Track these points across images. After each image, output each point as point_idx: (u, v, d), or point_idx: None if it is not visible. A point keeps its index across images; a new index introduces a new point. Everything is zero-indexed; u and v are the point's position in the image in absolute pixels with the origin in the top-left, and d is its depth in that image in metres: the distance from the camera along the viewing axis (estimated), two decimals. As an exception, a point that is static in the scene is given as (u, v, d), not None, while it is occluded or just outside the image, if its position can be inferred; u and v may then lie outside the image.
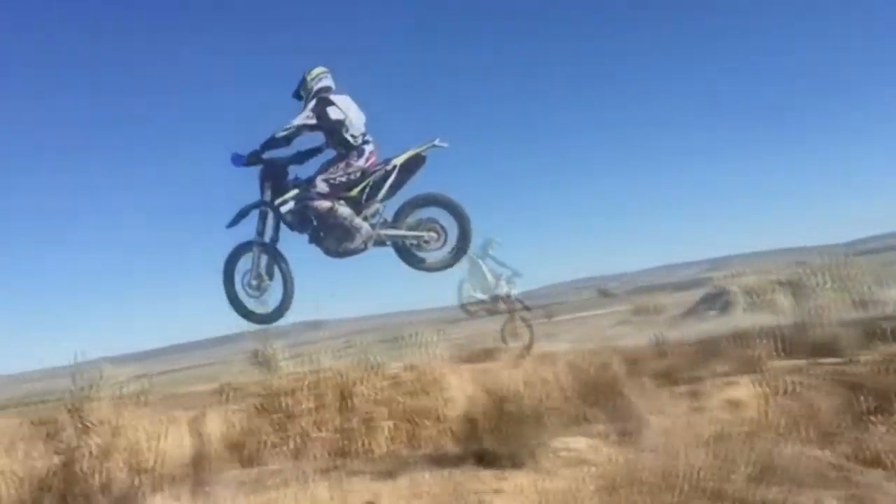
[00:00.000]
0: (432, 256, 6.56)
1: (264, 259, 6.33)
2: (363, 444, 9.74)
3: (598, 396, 11.22)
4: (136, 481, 9.63)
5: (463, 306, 13.13)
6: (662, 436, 7.13)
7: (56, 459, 10.09)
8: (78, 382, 9.89)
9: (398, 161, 6.38)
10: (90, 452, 9.79)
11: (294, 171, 6.40)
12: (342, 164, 6.32)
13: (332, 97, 6.37)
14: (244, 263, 6.28)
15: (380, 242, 6.50)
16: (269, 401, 9.97)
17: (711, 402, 12.09)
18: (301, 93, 6.42)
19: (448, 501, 6.61)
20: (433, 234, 6.49)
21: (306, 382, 9.91)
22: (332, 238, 6.38)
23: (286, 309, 6.28)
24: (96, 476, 9.79)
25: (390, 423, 10.10)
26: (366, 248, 6.50)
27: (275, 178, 6.38)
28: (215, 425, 10.84)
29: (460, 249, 6.45)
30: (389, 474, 8.04)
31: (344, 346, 10.72)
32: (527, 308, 14.25)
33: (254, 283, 6.26)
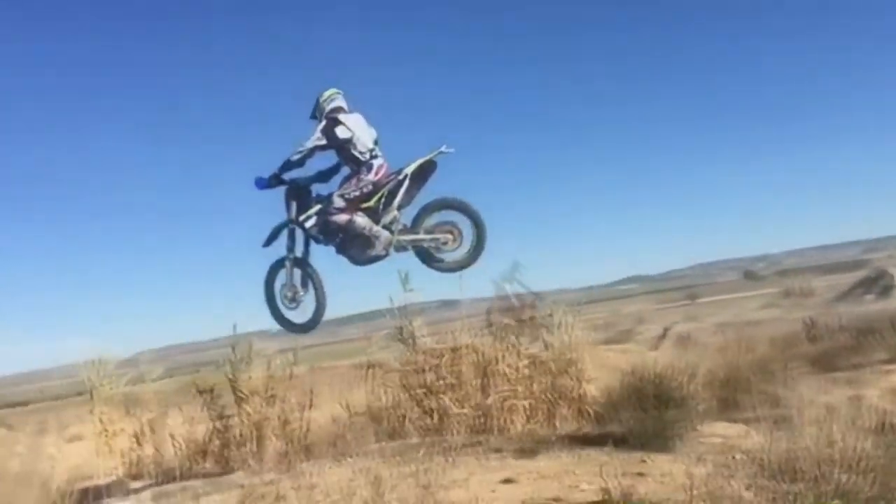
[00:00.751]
0: (450, 257, 6.93)
1: (297, 273, 6.79)
2: (501, 422, 9.77)
3: (747, 381, 10.76)
4: (286, 449, 10.11)
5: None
6: (818, 424, 6.69)
7: (214, 425, 10.76)
8: (235, 354, 10.43)
9: (409, 170, 6.76)
10: (244, 420, 10.36)
11: (316, 189, 6.83)
12: (354, 180, 6.74)
13: (341, 117, 6.75)
14: (281, 278, 6.77)
15: (400, 247, 6.89)
16: (409, 376, 10.17)
17: (871, 391, 11.32)
18: (316, 114, 6.78)
19: (590, 482, 6.49)
20: (449, 236, 6.86)
21: (446, 359, 10.03)
22: (355, 247, 6.83)
23: (320, 317, 6.75)
24: (248, 444, 10.36)
25: (528, 402, 10.07)
26: (387, 253, 6.91)
27: (299, 197, 6.84)
28: (358, 399, 11.19)
29: (476, 249, 6.75)
30: (528, 453, 8.01)
31: (483, 325, 10.76)
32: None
33: (289, 295, 6.74)
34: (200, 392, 10.80)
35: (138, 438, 11.28)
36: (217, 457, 10.57)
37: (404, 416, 9.98)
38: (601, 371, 11.53)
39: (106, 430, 11.17)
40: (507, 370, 10.07)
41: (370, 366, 10.67)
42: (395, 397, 10.28)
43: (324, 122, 6.75)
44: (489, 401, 9.88)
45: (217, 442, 10.63)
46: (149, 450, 11.27)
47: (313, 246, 6.82)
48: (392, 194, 6.80)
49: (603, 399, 10.42)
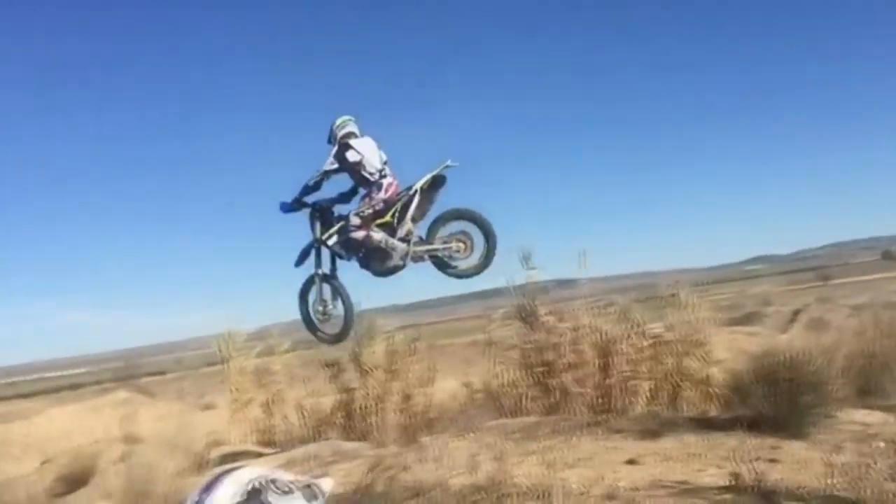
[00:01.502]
0: (463, 264, 7.32)
1: (326, 288, 7.25)
2: (623, 403, 9.59)
3: (887, 367, 10.12)
4: (407, 423, 10.33)
5: None
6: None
7: (338, 398, 11.11)
8: (357, 331, 10.68)
9: (418, 186, 7.17)
10: (367, 394, 10.65)
11: (338, 210, 7.24)
12: (367, 199, 7.20)
13: (352, 141, 7.22)
14: (313, 294, 7.24)
15: (417, 257, 7.27)
16: (529, 355, 10.12)
17: None
18: (331, 140, 7.21)
19: (719, 466, 6.29)
20: (461, 245, 7.27)
21: (566, 339, 9.92)
22: (375, 260, 7.27)
23: (349, 327, 7.22)
24: (371, 416, 10.65)
25: (651, 383, 9.84)
26: (405, 264, 7.29)
27: (322, 217, 7.31)
28: (477, 376, 11.27)
29: (488, 256, 7.14)
30: (652, 434, 7.83)
31: (604, 305, 10.55)
32: None
33: (320, 309, 7.17)
34: (326, 366, 11.17)
35: (268, 408, 11.80)
36: (342, 428, 10.92)
37: (524, 395, 9.96)
38: (727, 354, 11.11)
39: (238, 400, 11.73)
40: (629, 350, 9.86)
41: (489, 343, 10.71)
42: (514, 375, 10.26)
43: (336, 147, 7.25)
44: (610, 381, 9.72)
45: (342, 414, 10.99)
46: (278, 419, 11.77)
47: (340, 262, 7.29)
48: (405, 209, 7.24)
49: (730, 382, 10.05)
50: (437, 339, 16.07)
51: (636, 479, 6.25)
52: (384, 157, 7.47)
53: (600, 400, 9.79)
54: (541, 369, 9.93)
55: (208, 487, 1.82)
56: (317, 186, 7.43)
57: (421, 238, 7.30)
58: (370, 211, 7.27)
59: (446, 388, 11.61)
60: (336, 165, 7.30)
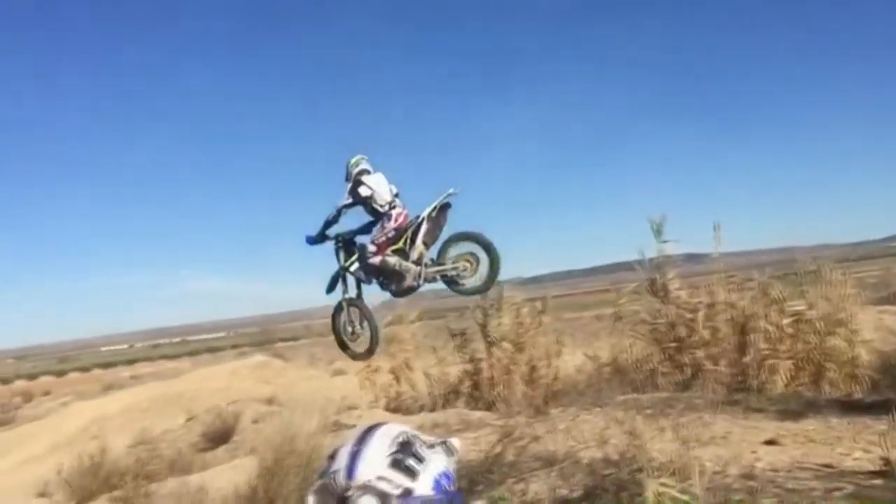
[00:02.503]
0: (470, 282, 8.05)
1: (354, 311, 8.08)
2: (760, 382, 9.21)
3: None
4: (533, 394, 10.34)
5: None
6: None
7: (465, 367, 11.26)
8: (486, 301, 10.75)
9: (424, 214, 8.00)
10: (494, 364, 10.73)
11: (360, 240, 8.10)
12: (380, 228, 8.10)
13: (364, 178, 8.09)
14: (342, 317, 8.11)
15: (429, 278, 8.08)
16: (661, 330, 9.87)
17: None
18: (348, 177, 8.10)
19: (865, 450, 5.94)
20: (467, 264, 8.07)
21: (700, 314, 9.59)
22: (392, 282, 8.11)
23: (375, 347, 7.92)
24: (497, 386, 10.73)
25: (791, 362, 9.39)
26: (419, 284, 8.13)
27: (345, 248, 8.20)
28: (603, 350, 11.12)
29: (492, 273, 7.83)
30: (793, 415, 7.47)
31: (740, 280, 10.09)
32: None
33: (349, 330, 7.97)
34: (453, 335, 11.33)
35: (396, 375, 12.12)
36: (468, 397, 11.08)
37: (654, 370, 9.74)
38: (874, 334, 10.45)
39: (368, 366, 12.09)
40: (768, 328, 9.43)
41: (619, 318, 10.52)
42: (644, 350, 10.05)
43: (350, 185, 8.15)
44: (747, 359, 9.35)
45: (468, 383, 11.14)
46: (405, 386, 12.07)
47: (366, 286, 8.12)
48: (415, 235, 8.09)
49: (878, 364, 9.46)
50: (564, 312, 15.94)
51: (776, 459, 5.99)
52: (394, 190, 8.34)
53: (736, 378, 9.43)
54: (672, 345, 9.67)
55: (361, 439, 1.92)
56: (335, 220, 8.37)
57: (432, 260, 8.11)
58: (383, 238, 8.13)
59: (573, 361, 11.53)
60: (350, 200, 8.18)
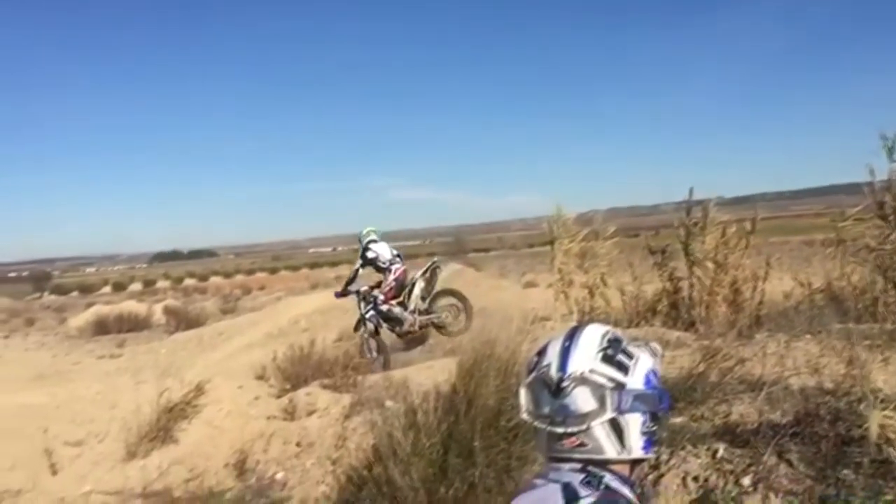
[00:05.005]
0: (453, 327, 11.32)
1: (372, 343, 11.50)
2: None
3: None
4: (735, 318, 9.90)
5: None
6: None
7: (663, 286, 10.98)
8: (690, 218, 10.37)
9: (418, 276, 11.64)
10: (694, 284, 10.37)
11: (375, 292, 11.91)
12: (384, 282, 11.74)
13: (371, 245, 11.86)
14: (364, 345, 11.49)
15: (423, 324, 11.46)
16: (887, 257, 9.02)
17: None
18: (359, 245, 12.01)
19: None
20: (451, 313, 11.53)
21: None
22: (395, 326, 11.40)
23: (388, 369, 10.39)
24: (697, 307, 10.37)
25: None
26: (416, 328, 11.53)
27: (364, 299, 11.67)
28: (817, 275, 10.39)
29: (468, 320, 11.16)
30: None
31: None
32: None
33: (368, 356, 11.05)
34: (652, 252, 11.04)
35: (591, 290, 12.06)
36: (665, 316, 10.83)
37: (875, 299, 8.97)
38: None
39: (562, 280, 12.12)
40: None
41: (838, 242, 9.72)
42: (865, 278, 9.26)
43: (361, 251, 11.89)
44: None
45: (666, 302, 10.87)
46: (599, 302, 12.00)
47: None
48: (411, 290, 11.47)
49: None
50: (771, 236, 14.99)
51: None
52: (395, 252, 11.87)
53: None
54: (899, 272, 8.83)
55: (571, 335, 1.96)
56: (354, 279, 11.89)
57: (425, 309, 11.38)
58: (388, 289, 11.53)
59: (780, 286, 10.89)
60: (361, 262, 11.80)
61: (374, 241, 11.91)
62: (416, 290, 11.47)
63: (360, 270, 11.89)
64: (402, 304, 11.40)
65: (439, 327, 11.18)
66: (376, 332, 11.65)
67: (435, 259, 11.72)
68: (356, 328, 11.41)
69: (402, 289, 11.64)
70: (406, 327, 11.65)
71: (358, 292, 11.70)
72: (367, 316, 11.33)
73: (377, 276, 12.28)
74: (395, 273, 11.63)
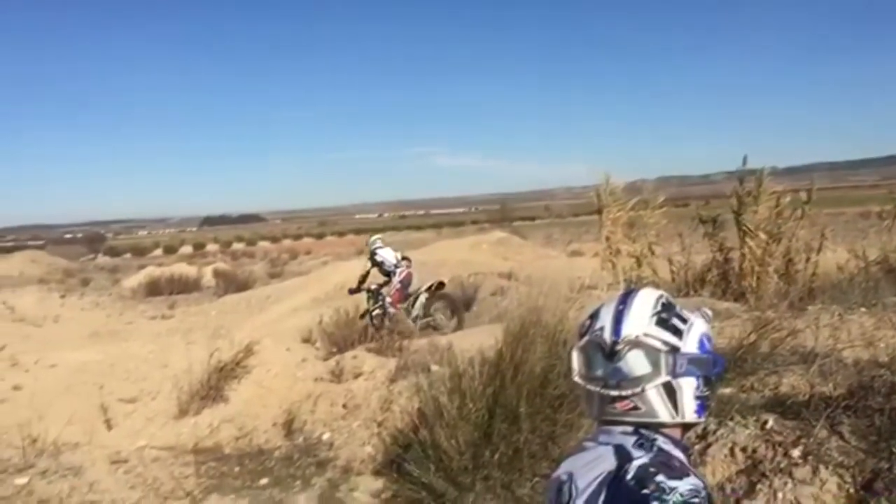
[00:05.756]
0: (446, 329, 11.84)
1: (378, 318, 12.40)
2: None
3: None
4: (787, 289, 9.72)
5: None
6: None
7: (713, 256, 10.81)
8: (743, 187, 10.16)
9: (423, 288, 12.90)
10: (746, 255, 10.19)
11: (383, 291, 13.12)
12: (390, 283, 13.10)
13: (378, 250, 13.37)
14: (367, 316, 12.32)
15: (423, 327, 11.85)
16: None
17: None
18: (368, 250, 13.57)
19: None
20: (445, 315, 12.59)
21: None
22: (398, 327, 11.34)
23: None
24: (748, 278, 10.20)
25: None
26: (416, 328, 11.50)
27: (374, 297, 12.91)
28: (873, 247, 10.14)
29: (460, 323, 12.30)
30: None
31: None
32: None
33: (372, 320, 12.08)
34: (703, 222, 10.86)
35: (638, 259, 11.93)
36: (714, 287, 10.67)
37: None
38: None
39: (609, 248, 12.01)
40: None
41: (887, 213, 9.45)
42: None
43: (369, 255, 13.43)
44: None
45: (715, 272, 10.71)
46: (647, 271, 11.87)
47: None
48: (415, 299, 12.69)
49: None
50: (827, 206, 14.63)
51: None
52: (399, 257, 13.37)
53: None
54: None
55: (624, 299, 1.94)
56: (364, 280, 13.20)
57: (423, 313, 12.45)
58: (395, 290, 12.87)
59: (834, 257, 10.64)
60: (369, 266, 13.33)
61: (380, 247, 13.48)
62: (419, 302, 12.71)
63: (368, 274, 13.43)
64: (406, 311, 12.66)
65: (435, 328, 12.14)
66: (382, 324, 12.53)
67: (440, 280, 13.38)
68: (361, 317, 12.02)
69: (407, 289, 13.01)
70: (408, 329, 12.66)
71: (370, 290, 13.01)
72: (374, 314, 12.49)
73: (382, 277, 13.69)
74: (400, 276, 13.03)
